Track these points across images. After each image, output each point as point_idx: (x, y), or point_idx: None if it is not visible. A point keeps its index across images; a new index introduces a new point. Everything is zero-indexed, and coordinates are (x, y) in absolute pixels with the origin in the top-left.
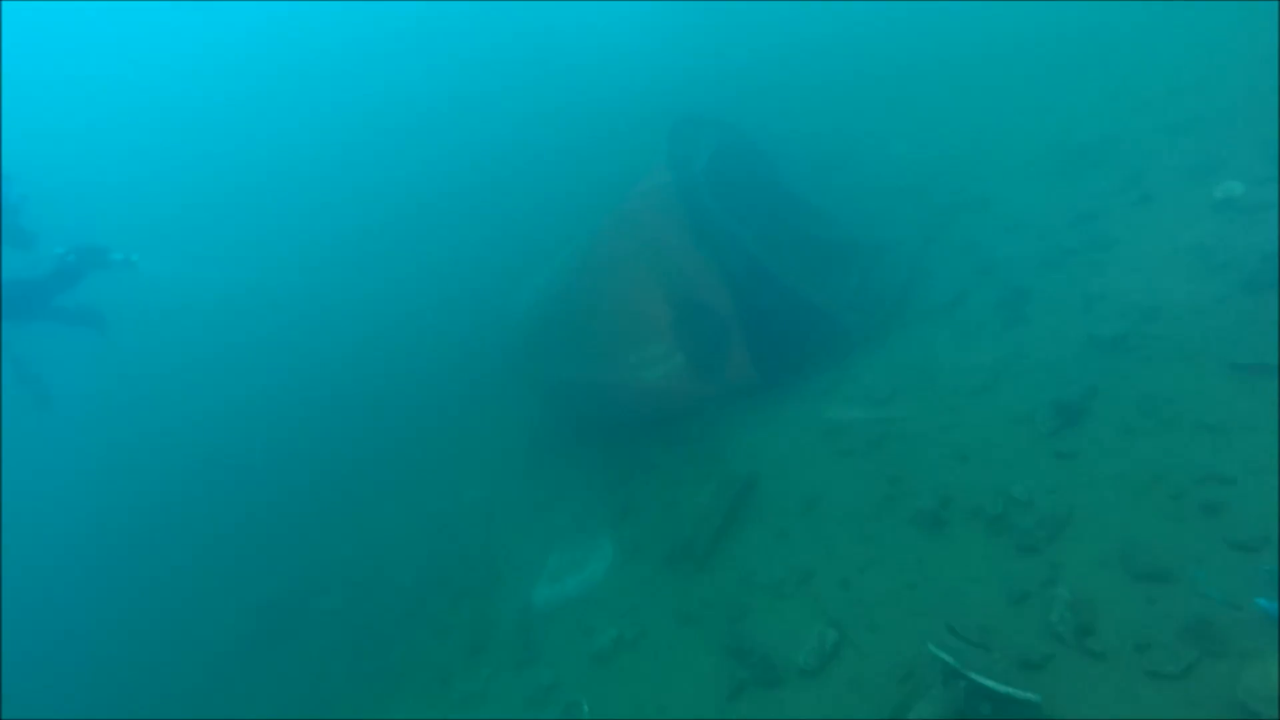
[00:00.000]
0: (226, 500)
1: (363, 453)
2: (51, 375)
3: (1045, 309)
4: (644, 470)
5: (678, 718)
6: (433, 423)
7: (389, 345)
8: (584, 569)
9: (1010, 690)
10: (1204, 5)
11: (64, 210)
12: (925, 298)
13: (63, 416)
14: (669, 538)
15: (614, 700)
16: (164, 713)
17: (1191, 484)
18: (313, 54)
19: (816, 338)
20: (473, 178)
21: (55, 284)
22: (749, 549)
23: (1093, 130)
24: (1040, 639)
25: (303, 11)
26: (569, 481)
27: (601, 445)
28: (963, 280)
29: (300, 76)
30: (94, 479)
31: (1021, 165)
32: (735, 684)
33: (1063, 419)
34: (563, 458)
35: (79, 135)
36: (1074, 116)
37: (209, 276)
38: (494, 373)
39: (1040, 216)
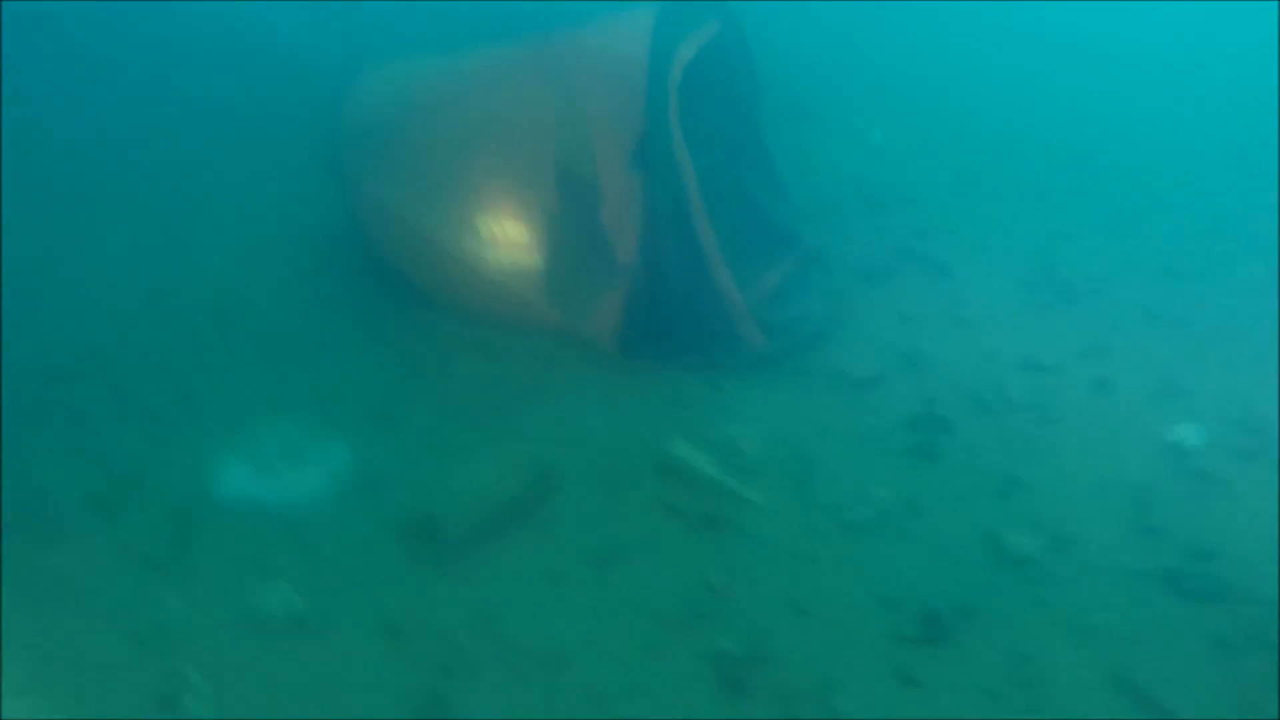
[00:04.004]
0: None
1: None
2: None
3: (960, 459)
4: (430, 377)
5: None
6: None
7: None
8: (302, 473)
9: None
10: None
11: None
12: (836, 352)
13: None
14: (420, 495)
15: (250, 698)
16: None
17: None
18: None
19: (703, 331)
20: None
21: None
22: (513, 569)
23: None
24: None
25: None
26: (344, 335)
27: (403, 313)
28: (884, 359)
29: None
30: None
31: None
32: None
33: (926, 629)
34: (357, 303)
35: None
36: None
37: None
38: (316, 166)
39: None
